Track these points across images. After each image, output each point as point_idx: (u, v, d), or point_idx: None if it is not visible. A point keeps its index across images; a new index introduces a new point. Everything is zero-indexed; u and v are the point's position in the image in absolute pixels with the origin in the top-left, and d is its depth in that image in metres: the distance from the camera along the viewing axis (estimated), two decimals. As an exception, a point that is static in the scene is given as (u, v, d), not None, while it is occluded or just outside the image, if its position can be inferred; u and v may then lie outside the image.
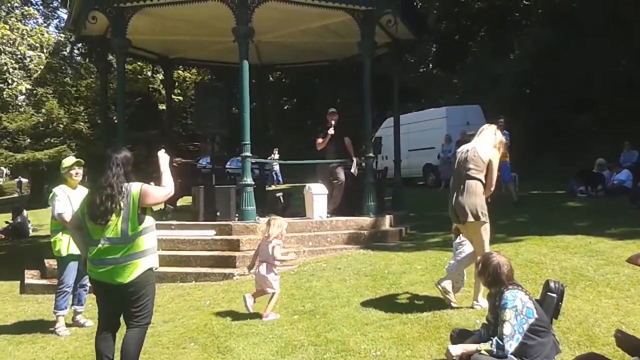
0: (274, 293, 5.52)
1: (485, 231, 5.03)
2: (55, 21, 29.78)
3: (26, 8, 14.36)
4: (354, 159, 9.38)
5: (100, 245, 3.76)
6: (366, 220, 8.81)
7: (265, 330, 5.03)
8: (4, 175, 47.27)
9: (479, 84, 21.82)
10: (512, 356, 3.46)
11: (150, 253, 3.87)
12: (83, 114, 27.50)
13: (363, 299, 5.71)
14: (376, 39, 9.27)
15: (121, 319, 4.04)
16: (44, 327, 5.83)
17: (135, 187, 3.83)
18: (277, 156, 20.28)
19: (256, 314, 5.51)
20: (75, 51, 26.90)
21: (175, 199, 10.26)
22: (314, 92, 27.65)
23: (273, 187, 19.71)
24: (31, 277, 7.95)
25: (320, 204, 8.77)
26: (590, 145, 17.33)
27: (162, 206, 9.07)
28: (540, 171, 16.08)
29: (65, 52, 26.11)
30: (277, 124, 31.09)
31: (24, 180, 38.14)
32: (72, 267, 5.68)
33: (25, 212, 14.72)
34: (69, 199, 5.61)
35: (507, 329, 3.49)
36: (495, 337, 3.52)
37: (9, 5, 12.76)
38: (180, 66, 22.78)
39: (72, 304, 5.89)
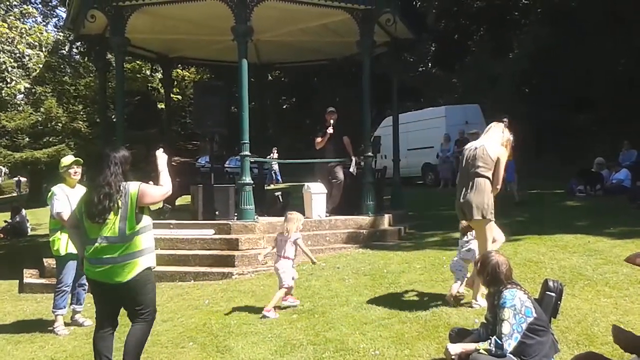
0: (289, 287, 5.63)
1: (490, 230, 5.04)
2: (54, 20, 29.77)
3: (25, 6, 14.33)
4: (353, 158, 9.38)
5: (97, 244, 3.76)
6: (365, 220, 8.81)
7: (264, 330, 5.02)
8: (3, 175, 47.23)
9: (478, 83, 21.84)
10: (511, 355, 3.46)
11: (147, 252, 3.88)
12: (82, 112, 27.47)
13: (362, 298, 5.71)
14: (375, 38, 9.27)
15: (119, 318, 4.05)
16: (42, 326, 5.83)
17: (133, 186, 3.83)
18: (276, 155, 20.29)
19: (254, 313, 5.51)
20: (74, 50, 26.79)
21: (174, 198, 10.26)
22: (313, 91, 27.64)
23: (272, 186, 19.72)
24: (30, 276, 7.94)
25: (319, 203, 8.77)
26: (589, 144, 17.36)
27: (160, 205, 9.06)
28: (540, 170, 16.09)
29: (64, 51, 26.02)
30: (276, 123, 31.10)
31: (23, 180, 38.11)
32: (71, 266, 5.68)
33: (23, 211, 14.70)
34: (67, 198, 5.60)
35: (505, 328, 3.49)
36: (494, 336, 3.52)
37: (7, 3, 12.73)
38: (179, 65, 22.79)
39: (71, 303, 5.88)
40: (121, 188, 3.78)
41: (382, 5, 8.82)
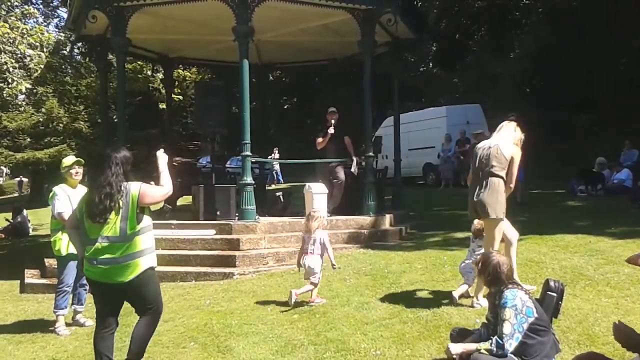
0: (316, 284, 5.72)
1: (499, 230, 5.05)
2: (55, 20, 29.82)
3: (26, 7, 14.34)
4: (354, 158, 9.37)
5: (98, 244, 3.77)
6: (366, 220, 8.81)
7: (265, 330, 5.03)
8: (4, 175, 47.26)
9: (479, 83, 21.83)
10: (512, 355, 3.46)
11: (148, 252, 3.89)
12: (83, 113, 27.50)
13: (363, 298, 5.71)
14: (376, 37, 9.26)
15: (119, 318, 4.06)
16: (44, 326, 5.83)
17: (134, 186, 3.85)
18: (277, 155, 20.30)
19: (255, 313, 5.52)
20: (75, 50, 26.92)
21: (175, 198, 10.27)
22: (314, 91, 27.65)
23: (273, 186, 19.72)
24: (31, 276, 7.94)
25: (320, 203, 8.75)
26: (590, 144, 17.35)
27: (160, 205, 9.07)
28: (541, 170, 16.09)
29: (65, 51, 26.10)
30: (277, 123, 31.12)
31: (25, 180, 38.15)
32: (72, 267, 5.68)
33: (25, 212, 14.71)
34: (69, 198, 5.61)
35: (507, 328, 3.49)
36: (495, 336, 3.52)
37: (8, 4, 12.75)
38: (180, 65, 22.79)
39: (72, 304, 5.89)
40: (122, 188, 3.80)
41: (383, 5, 8.81)
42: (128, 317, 5.10)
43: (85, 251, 3.84)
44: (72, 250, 5.44)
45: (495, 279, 3.74)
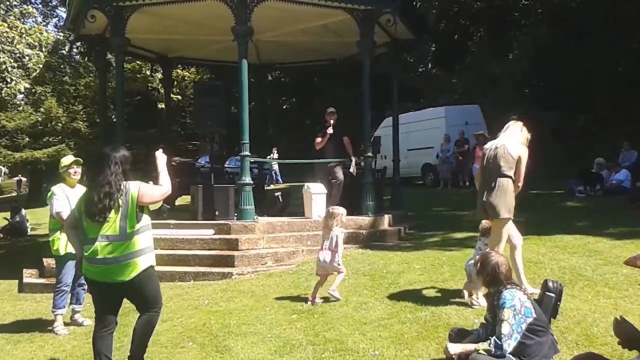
0: (340, 272, 5.86)
1: (507, 229, 5.08)
2: (54, 20, 29.82)
3: (25, 6, 14.32)
4: (353, 159, 9.38)
5: (97, 244, 3.77)
6: (365, 220, 8.81)
7: (264, 330, 5.02)
8: (3, 174, 47.20)
9: (479, 83, 21.84)
10: (511, 356, 3.46)
11: (148, 251, 3.91)
12: (82, 112, 27.44)
13: (361, 298, 5.71)
14: (375, 38, 9.27)
15: (119, 318, 4.06)
16: (42, 326, 5.82)
17: (133, 186, 3.87)
18: (276, 155, 20.29)
19: (254, 313, 5.52)
20: (74, 50, 26.85)
21: (173, 198, 10.26)
22: (313, 91, 27.65)
23: (272, 186, 19.72)
24: (29, 276, 7.94)
25: (319, 204, 8.77)
26: (589, 144, 17.36)
27: (158, 205, 9.06)
28: (539, 170, 16.09)
29: (64, 51, 26.06)
30: (276, 124, 31.11)
31: (23, 179, 38.11)
32: (71, 266, 5.67)
33: (23, 211, 14.69)
34: (67, 197, 5.60)
35: (505, 329, 3.49)
36: (494, 337, 3.52)
37: (7, 3, 12.74)
38: (179, 65, 22.83)
39: (71, 303, 5.88)
40: (121, 187, 3.81)
41: (382, 6, 8.82)
42: (126, 317, 5.12)
43: (84, 251, 3.85)
44: (71, 249, 5.44)
45: (493, 279, 3.74)
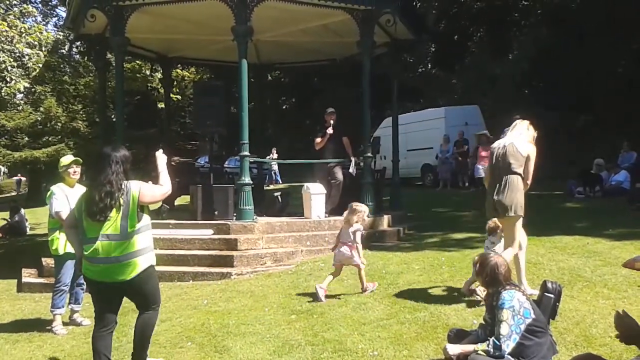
0: (360, 268, 5.89)
1: (519, 227, 5.12)
2: (54, 19, 29.73)
3: (25, 6, 14.31)
4: (352, 159, 9.38)
5: (98, 243, 3.78)
6: (364, 220, 8.79)
7: (263, 330, 5.02)
8: (2, 174, 47.18)
9: (478, 84, 21.84)
10: (509, 356, 3.47)
11: (148, 251, 3.93)
12: (81, 112, 27.42)
13: (360, 298, 5.71)
14: (375, 38, 9.27)
15: (117, 318, 4.06)
16: (41, 325, 5.81)
17: (134, 185, 3.89)
18: (275, 155, 20.30)
19: (253, 313, 5.52)
20: (74, 49, 26.83)
21: (173, 198, 10.26)
22: (312, 91, 27.65)
23: (271, 186, 19.72)
24: (28, 275, 7.93)
25: (318, 204, 8.77)
26: (589, 145, 17.36)
27: (158, 205, 9.06)
28: (539, 171, 16.08)
29: (63, 50, 26.01)
30: (276, 124, 31.11)
31: (23, 179, 38.10)
32: (69, 266, 5.67)
33: (22, 211, 14.69)
34: (66, 197, 5.60)
35: (504, 329, 3.49)
36: (493, 337, 3.52)
37: (7, 2, 12.73)
38: (179, 65, 22.84)
39: (69, 303, 5.88)
40: (123, 186, 3.83)
41: (382, 6, 8.82)
42: (125, 317, 5.12)
43: (84, 250, 3.85)
44: (70, 249, 5.44)
45: (493, 280, 3.74)
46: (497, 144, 5.32)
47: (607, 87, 17.59)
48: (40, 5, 25.84)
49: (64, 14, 24.28)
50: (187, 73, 29.09)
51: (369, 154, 9.25)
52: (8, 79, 11.81)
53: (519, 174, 5.08)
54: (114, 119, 11.35)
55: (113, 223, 3.78)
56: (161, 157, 4.16)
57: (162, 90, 24.31)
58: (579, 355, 3.56)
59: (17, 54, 11.81)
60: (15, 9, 13.04)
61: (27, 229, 14.51)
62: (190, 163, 15.77)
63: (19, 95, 21.13)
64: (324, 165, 9.31)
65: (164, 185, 4.05)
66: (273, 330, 4.99)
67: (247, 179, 8.25)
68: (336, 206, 9.18)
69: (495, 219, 5.39)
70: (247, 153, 8.31)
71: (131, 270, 3.80)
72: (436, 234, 9.09)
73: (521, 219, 5.11)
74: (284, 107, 34.27)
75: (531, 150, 5.13)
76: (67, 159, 5.83)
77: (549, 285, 4.22)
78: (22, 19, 12.84)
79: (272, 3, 8.36)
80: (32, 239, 12.98)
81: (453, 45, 24.95)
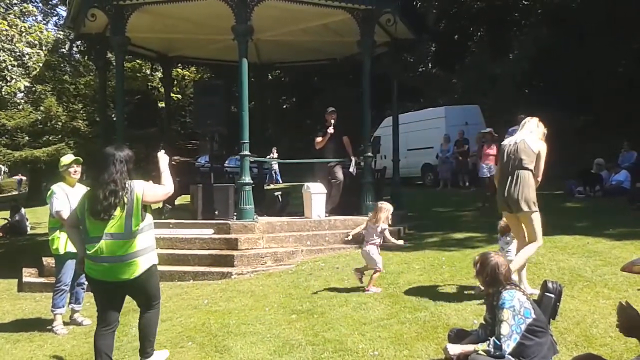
0: (377, 271, 5.98)
1: (537, 219, 5.15)
2: (55, 18, 29.75)
3: (25, 5, 14.31)
4: (353, 159, 9.38)
5: (102, 242, 3.80)
6: (364, 220, 8.78)
7: (263, 330, 5.02)
8: (2, 173, 47.19)
9: (479, 83, 21.82)
10: (510, 356, 3.46)
11: (151, 250, 3.97)
12: (82, 111, 27.41)
13: (361, 298, 5.71)
14: (375, 38, 9.27)
15: (120, 316, 4.07)
16: (41, 325, 5.82)
17: (137, 184, 3.92)
18: (275, 155, 20.29)
19: (253, 313, 5.52)
20: (74, 49, 26.83)
21: (173, 197, 10.25)
22: (313, 90, 27.64)
23: (272, 186, 19.72)
24: (29, 275, 7.93)
25: (319, 203, 8.77)
26: (589, 145, 17.35)
27: (159, 205, 9.06)
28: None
29: (64, 50, 25.99)
30: (276, 123, 31.09)
31: (23, 178, 38.12)
32: (70, 265, 5.67)
33: (23, 210, 14.70)
34: (67, 196, 5.60)
35: (504, 329, 3.49)
36: (493, 337, 3.52)
37: (7, 2, 12.73)
38: (179, 64, 22.84)
39: (70, 303, 5.88)
40: (127, 185, 3.86)
41: (383, 6, 8.83)
42: (126, 317, 5.12)
43: (87, 249, 3.86)
44: (70, 248, 5.45)
45: (493, 280, 3.74)
46: (508, 141, 5.38)
47: (607, 86, 17.58)
48: (40, 4, 25.86)
49: (64, 13, 24.29)
50: (187, 72, 29.10)
51: (370, 154, 9.25)
52: (8, 78, 11.81)
53: (530, 170, 5.14)
54: (115, 118, 11.36)
55: (117, 222, 3.80)
56: (163, 158, 4.21)
57: (162, 90, 24.34)
58: (579, 355, 3.56)
59: (18, 53, 11.81)
60: (16, 8, 13.04)
61: (28, 229, 14.52)
62: (190, 162, 15.76)
63: (19, 95, 21.10)
64: (324, 165, 9.31)
65: (166, 185, 4.09)
66: (273, 330, 4.99)
67: (247, 179, 8.25)
68: (336, 206, 9.19)
69: (504, 220, 5.45)
70: (247, 152, 8.32)
71: (134, 269, 3.83)
72: (436, 233, 9.09)
73: (538, 213, 5.16)
74: (285, 106, 34.27)
75: (542, 147, 5.18)
76: (67, 159, 5.83)
77: (550, 285, 4.22)
78: (22, 18, 12.84)
79: (272, 2, 8.36)
80: (33, 239, 12.98)
81: (453, 45, 24.94)
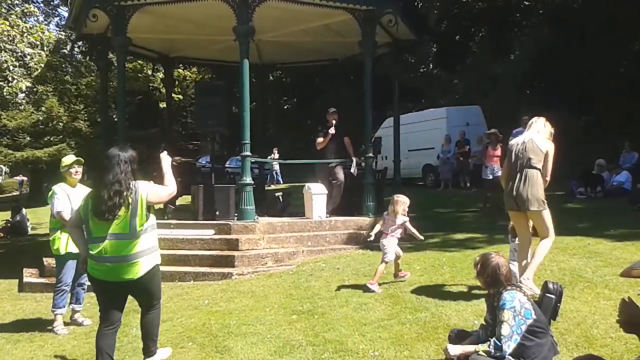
0: (387, 262, 6.08)
1: (548, 216, 5.20)
2: (56, 19, 29.83)
3: (27, 5, 14.34)
4: (354, 159, 9.38)
5: (106, 242, 3.82)
6: (365, 220, 8.80)
7: (264, 330, 5.02)
8: (4, 174, 47.25)
9: (480, 84, 21.82)
10: (510, 357, 3.46)
11: (154, 250, 4.00)
12: (83, 112, 27.46)
13: (361, 299, 5.71)
14: (377, 38, 9.27)
15: (122, 317, 4.09)
16: (42, 325, 5.82)
17: (142, 185, 3.95)
18: (276, 156, 20.29)
19: (254, 313, 5.52)
20: (76, 49, 26.89)
21: (175, 197, 10.26)
22: (314, 91, 27.64)
23: (272, 186, 19.71)
24: (29, 275, 7.94)
25: (320, 204, 8.77)
26: (590, 146, 17.34)
27: (161, 205, 9.07)
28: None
29: (65, 50, 26.02)
30: (277, 124, 31.09)
31: (24, 179, 38.17)
32: (71, 266, 5.68)
33: (24, 210, 14.71)
34: (68, 197, 5.60)
35: (505, 330, 3.48)
36: (494, 338, 3.52)
37: (9, 2, 12.75)
38: (181, 65, 22.82)
39: (70, 303, 5.88)
40: (131, 186, 3.88)
41: (384, 6, 8.83)
42: (126, 317, 5.11)
43: (91, 250, 3.88)
44: (71, 249, 5.46)
45: (494, 281, 3.74)
46: (515, 141, 5.42)
47: (608, 87, 17.56)
48: (42, 5, 25.91)
49: (65, 14, 24.31)
50: (188, 73, 29.13)
51: (371, 154, 9.25)
52: (10, 79, 11.84)
53: (539, 169, 5.17)
54: (116, 119, 11.34)
55: (121, 222, 3.82)
56: (166, 159, 4.24)
57: (163, 90, 24.35)
58: (580, 356, 3.55)
59: (19, 54, 11.84)
60: (17, 8, 13.07)
61: (29, 229, 14.53)
62: (191, 163, 15.76)
63: (21, 95, 21.15)
64: (325, 166, 9.30)
65: (170, 186, 4.13)
66: (274, 331, 4.99)
67: (248, 179, 8.25)
68: (337, 206, 9.19)
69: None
70: (248, 153, 8.32)
71: (138, 269, 3.85)
72: (437, 234, 9.07)
73: (548, 210, 5.18)
74: (286, 107, 34.28)
75: (550, 147, 5.22)
76: (68, 159, 5.84)
77: (550, 285, 4.21)
78: (24, 19, 12.87)
79: (273, 3, 8.37)
80: (34, 239, 13.00)
81: (454, 46, 24.94)
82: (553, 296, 4.11)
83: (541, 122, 5.40)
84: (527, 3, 24.11)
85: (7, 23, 11.27)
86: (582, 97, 18.04)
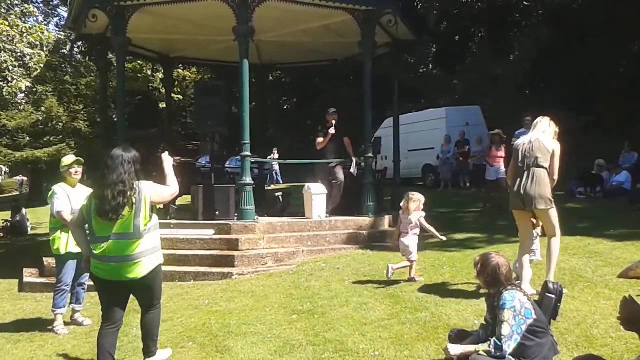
0: (413, 261, 6.10)
1: (555, 215, 5.28)
2: (55, 19, 29.81)
3: (26, 5, 14.33)
4: (353, 159, 9.38)
5: (110, 242, 3.83)
6: (365, 220, 8.81)
7: (264, 330, 5.03)
8: (3, 173, 47.22)
9: (479, 84, 21.83)
10: (510, 357, 3.46)
11: (157, 250, 4.02)
12: (82, 112, 27.44)
13: (361, 298, 5.71)
14: (376, 38, 9.27)
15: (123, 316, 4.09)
16: (42, 325, 5.82)
17: (145, 185, 3.96)
18: (276, 155, 20.29)
19: (254, 313, 5.52)
20: (75, 49, 26.88)
21: (175, 198, 10.26)
22: (313, 91, 27.63)
23: (272, 186, 19.72)
24: (29, 275, 7.93)
25: (319, 204, 8.77)
26: (590, 146, 17.35)
27: (162, 205, 9.06)
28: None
29: (65, 50, 26.02)
30: (277, 124, 31.10)
31: (24, 179, 38.16)
32: (70, 265, 5.67)
33: (23, 210, 14.72)
34: (67, 197, 5.60)
35: (505, 330, 3.49)
36: (494, 338, 3.52)
37: (8, 2, 12.75)
38: (180, 65, 22.81)
39: (70, 303, 5.88)
40: (134, 186, 3.89)
41: (383, 6, 8.83)
42: (126, 317, 5.09)
43: (93, 249, 3.89)
44: (71, 249, 5.46)
45: (494, 280, 3.74)
46: (522, 140, 5.45)
47: (608, 87, 17.57)
48: (41, 5, 25.88)
49: (65, 14, 24.31)
50: (188, 73, 29.13)
51: (370, 154, 9.25)
52: (9, 79, 11.83)
53: (545, 168, 5.21)
54: (115, 119, 11.35)
55: (125, 222, 3.83)
56: (167, 159, 4.26)
57: (163, 90, 24.33)
58: (580, 355, 3.56)
59: (18, 54, 11.83)
60: (17, 8, 13.06)
61: (28, 229, 14.53)
62: (191, 163, 15.78)
63: (20, 95, 21.13)
64: (325, 165, 9.30)
65: (172, 186, 4.15)
66: (274, 330, 4.99)
67: (248, 179, 8.25)
68: (337, 206, 9.19)
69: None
70: (248, 153, 8.32)
71: (141, 268, 3.87)
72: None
73: (555, 208, 5.24)
74: (285, 107, 34.28)
75: (556, 146, 5.28)
76: (68, 159, 5.84)
77: (550, 285, 4.22)
78: (23, 19, 12.86)
79: (273, 3, 8.37)
80: (33, 239, 13.00)
81: (454, 46, 24.95)
82: (553, 296, 4.11)
83: (546, 122, 5.44)
84: (526, 3, 24.12)
85: (7, 23, 11.26)
86: (582, 97, 18.05)
